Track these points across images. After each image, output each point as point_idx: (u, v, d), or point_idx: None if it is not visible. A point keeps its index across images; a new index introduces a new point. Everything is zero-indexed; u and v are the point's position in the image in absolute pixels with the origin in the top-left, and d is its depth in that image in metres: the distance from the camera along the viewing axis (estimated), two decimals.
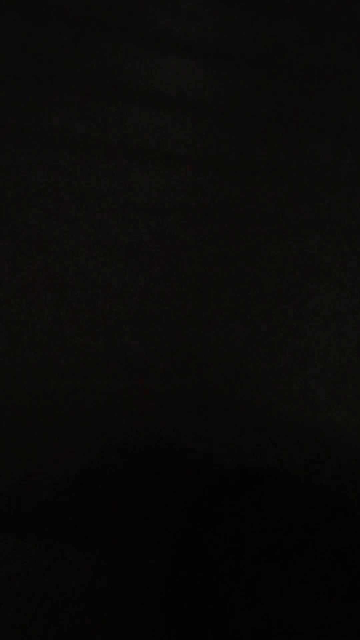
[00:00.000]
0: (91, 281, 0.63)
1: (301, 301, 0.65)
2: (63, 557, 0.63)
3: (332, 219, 0.64)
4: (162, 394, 0.65)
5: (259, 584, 0.51)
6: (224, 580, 0.51)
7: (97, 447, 0.65)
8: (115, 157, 0.62)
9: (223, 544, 0.53)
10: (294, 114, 0.61)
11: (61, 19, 0.58)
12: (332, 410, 0.66)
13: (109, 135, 0.61)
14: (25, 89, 0.59)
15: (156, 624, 0.61)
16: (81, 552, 0.64)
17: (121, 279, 0.63)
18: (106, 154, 0.61)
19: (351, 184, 0.63)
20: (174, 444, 0.65)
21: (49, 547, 0.63)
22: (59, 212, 0.62)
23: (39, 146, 0.60)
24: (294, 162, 0.62)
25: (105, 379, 0.64)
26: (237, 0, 0.59)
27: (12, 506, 0.64)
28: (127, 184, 0.62)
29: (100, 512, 0.65)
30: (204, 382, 0.65)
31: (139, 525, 0.66)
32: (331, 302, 0.65)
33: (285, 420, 0.65)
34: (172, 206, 0.62)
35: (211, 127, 0.61)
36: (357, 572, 0.51)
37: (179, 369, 0.65)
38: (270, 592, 0.50)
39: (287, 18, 0.59)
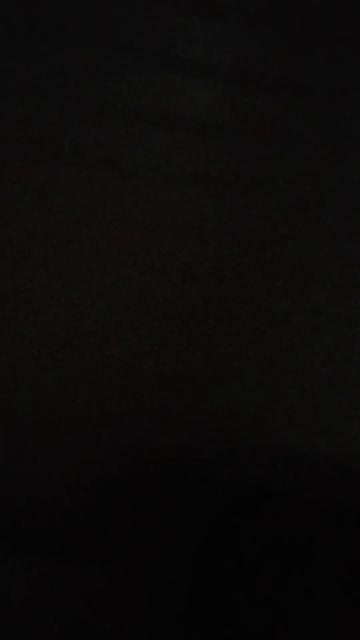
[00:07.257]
0: (96, 299, 0.63)
1: (304, 318, 0.65)
2: (67, 576, 0.62)
3: (339, 236, 0.64)
4: (167, 413, 0.64)
5: (279, 604, 0.50)
6: (244, 601, 0.51)
7: (103, 465, 0.64)
8: (117, 172, 0.61)
9: (240, 566, 0.52)
10: (305, 134, 0.62)
11: (79, 39, 0.58)
12: (339, 426, 0.66)
13: (111, 151, 0.61)
14: (40, 108, 0.59)
15: None
16: (85, 571, 0.63)
17: (127, 297, 0.63)
18: (111, 170, 0.61)
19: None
20: (181, 462, 0.65)
21: (53, 567, 0.62)
22: (65, 229, 0.61)
23: (49, 163, 0.60)
24: (306, 180, 0.63)
25: (110, 397, 0.64)
26: (253, 23, 0.59)
27: (16, 525, 0.63)
28: (133, 201, 0.62)
29: (104, 532, 0.65)
30: (209, 400, 0.65)
31: (143, 544, 0.65)
32: (335, 317, 0.65)
33: (293, 438, 0.65)
34: (180, 224, 0.62)
35: (223, 146, 0.61)
36: None
37: (185, 387, 0.64)
38: (292, 613, 0.50)
39: (305, 41, 0.60)
